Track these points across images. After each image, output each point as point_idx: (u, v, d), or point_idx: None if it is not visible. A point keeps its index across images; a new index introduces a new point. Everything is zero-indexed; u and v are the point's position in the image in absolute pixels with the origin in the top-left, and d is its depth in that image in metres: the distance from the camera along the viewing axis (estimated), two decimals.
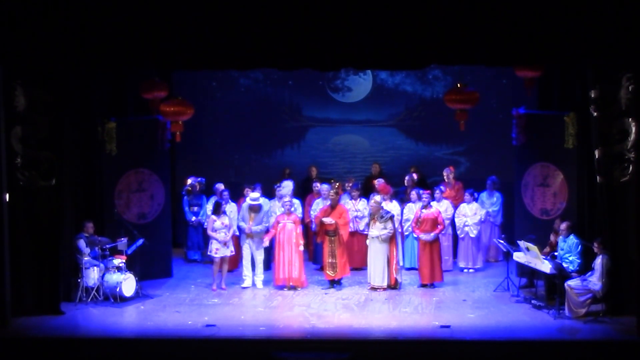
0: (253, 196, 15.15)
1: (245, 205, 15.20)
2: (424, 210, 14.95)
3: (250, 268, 15.06)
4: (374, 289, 14.67)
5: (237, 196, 16.08)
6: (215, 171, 17.83)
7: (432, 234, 14.83)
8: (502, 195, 16.32)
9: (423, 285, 14.85)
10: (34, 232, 13.43)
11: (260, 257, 15.12)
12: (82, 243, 14.10)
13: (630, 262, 12.84)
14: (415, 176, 16.56)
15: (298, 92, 18.27)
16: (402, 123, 18.16)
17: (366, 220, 15.42)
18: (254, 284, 15.06)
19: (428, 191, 15.42)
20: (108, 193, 15.03)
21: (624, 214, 13.02)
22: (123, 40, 12.44)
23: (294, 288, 14.71)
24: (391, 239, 14.73)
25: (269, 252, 15.68)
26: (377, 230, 14.67)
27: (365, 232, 15.25)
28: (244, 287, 14.93)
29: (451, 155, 18.02)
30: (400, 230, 15.68)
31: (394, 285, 14.69)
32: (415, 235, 15.29)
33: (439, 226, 14.87)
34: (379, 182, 16.10)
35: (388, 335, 12.44)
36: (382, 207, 14.84)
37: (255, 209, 15.07)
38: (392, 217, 14.79)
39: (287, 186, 16.04)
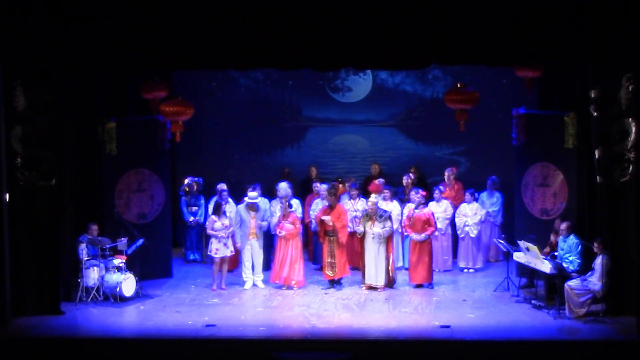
0: (251, 195, 15.15)
1: (242, 206, 15.18)
2: (416, 210, 14.95)
3: (250, 269, 15.04)
4: (370, 288, 14.66)
5: (236, 196, 16.08)
6: (215, 171, 17.83)
7: (423, 235, 14.82)
8: (502, 195, 16.32)
9: (418, 286, 14.84)
10: (34, 232, 13.42)
11: (260, 256, 15.11)
12: (82, 247, 14.09)
13: (630, 262, 12.84)
14: (412, 176, 16.55)
15: (298, 92, 18.26)
16: (402, 123, 18.16)
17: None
18: (254, 284, 15.05)
19: (424, 192, 15.40)
20: (108, 193, 15.04)
21: (624, 214, 13.02)
22: (123, 40, 12.44)
23: (291, 288, 14.71)
24: (389, 238, 14.73)
25: (269, 252, 15.68)
26: (378, 228, 14.65)
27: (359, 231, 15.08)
28: (246, 289, 14.88)
29: (451, 155, 18.02)
30: (400, 230, 15.68)
31: (390, 284, 14.70)
32: (406, 234, 15.32)
33: (429, 228, 14.85)
34: (374, 183, 16.15)
35: (388, 335, 12.43)
36: (378, 207, 14.82)
37: (254, 208, 15.05)
38: (389, 216, 14.78)
39: (283, 188, 15.78)
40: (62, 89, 13.42)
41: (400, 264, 15.77)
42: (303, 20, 12.29)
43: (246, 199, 15.19)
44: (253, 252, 15.05)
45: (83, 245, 14.12)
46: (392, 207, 15.43)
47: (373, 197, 15.04)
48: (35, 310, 13.41)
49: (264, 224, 15.17)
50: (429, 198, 15.60)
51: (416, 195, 15.07)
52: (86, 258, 14.02)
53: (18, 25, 12.44)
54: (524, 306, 13.73)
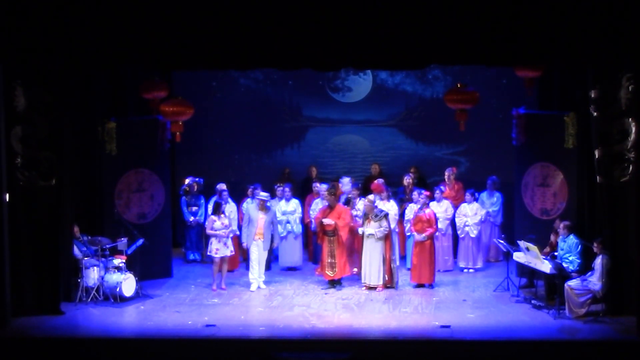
0: (263, 195, 15.12)
1: (252, 205, 15.14)
2: (419, 211, 14.98)
3: (257, 270, 14.97)
4: (369, 287, 14.66)
5: (236, 196, 16.07)
6: (215, 171, 17.81)
7: (423, 235, 14.83)
8: (502, 195, 16.33)
9: (419, 285, 14.84)
10: (34, 232, 13.42)
11: (264, 257, 15.08)
12: (75, 247, 14.08)
13: (630, 262, 12.84)
14: (412, 176, 16.55)
15: (298, 92, 18.25)
16: (402, 123, 18.15)
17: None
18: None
19: (428, 192, 15.40)
20: (108, 193, 15.04)
21: (624, 214, 13.02)
22: (123, 40, 12.44)
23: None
24: (386, 237, 14.72)
25: (271, 253, 15.67)
26: (373, 228, 14.66)
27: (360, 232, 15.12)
28: (252, 290, 14.78)
29: (451, 155, 18.01)
30: (397, 230, 15.65)
31: (390, 284, 14.70)
32: (408, 234, 15.35)
33: (429, 229, 14.85)
34: (375, 182, 16.16)
35: (388, 335, 12.44)
36: (375, 206, 14.82)
37: (265, 207, 14.98)
38: (386, 216, 14.77)
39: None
40: (62, 89, 13.42)
41: (397, 264, 15.74)
42: (303, 20, 12.29)
43: (255, 199, 15.18)
44: (258, 252, 15.00)
45: (74, 246, 14.10)
46: (389, 207, 15.41)
47: (370, 196, 15.05)
48: (35, 310, 13.40)
49: (280, 228, 15.17)
50: (430, 198, 15.60)
51: (420, 196, 15.09)
52: (84, 258, 14.00)
53: (18, 25, 12.43)
54: (524, 306, 13.73)
